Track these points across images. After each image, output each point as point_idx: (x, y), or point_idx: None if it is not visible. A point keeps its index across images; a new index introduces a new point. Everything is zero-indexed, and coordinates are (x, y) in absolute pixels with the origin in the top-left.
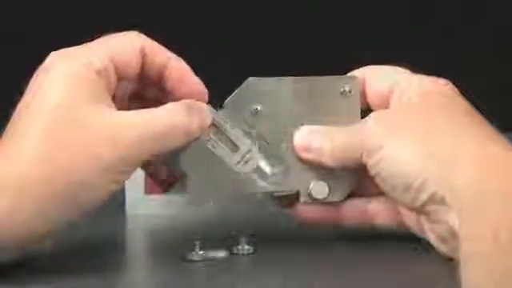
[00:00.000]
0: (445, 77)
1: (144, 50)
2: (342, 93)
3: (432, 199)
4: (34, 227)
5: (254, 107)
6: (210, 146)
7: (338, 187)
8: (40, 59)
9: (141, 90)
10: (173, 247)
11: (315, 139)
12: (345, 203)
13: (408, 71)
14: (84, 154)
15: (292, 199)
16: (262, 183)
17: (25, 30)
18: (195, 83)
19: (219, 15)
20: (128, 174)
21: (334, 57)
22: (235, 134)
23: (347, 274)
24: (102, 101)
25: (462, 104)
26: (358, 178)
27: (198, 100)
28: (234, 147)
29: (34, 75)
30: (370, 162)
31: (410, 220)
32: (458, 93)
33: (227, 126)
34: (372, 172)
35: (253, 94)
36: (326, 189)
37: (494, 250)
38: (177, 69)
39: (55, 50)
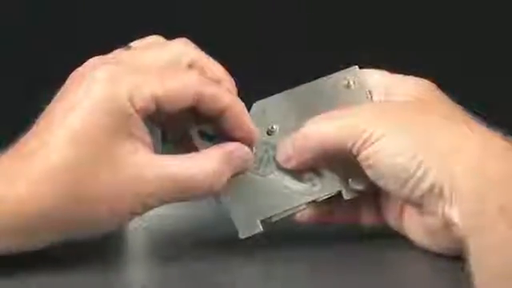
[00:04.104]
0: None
1: (200, 98)
2: (346, 86)
3: (431, 189)
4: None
5: (269, 127)
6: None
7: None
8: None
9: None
10: (173, 247)
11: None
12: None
13: (387, 73)
14: (106, 199)
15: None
16: (304, 194)
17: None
18: (249, 131)
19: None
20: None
21: (333, 57)
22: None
23: (347, 274)
24: (137, 139)
25: (447, 100)
26: None
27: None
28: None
29: (72, 80)
30: (366, 153)
31: (391, 216)
32: (440, 91)
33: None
34: (367, 162)
35: (262, 116)
36: (364, 179)
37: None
38: (234, 116)
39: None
